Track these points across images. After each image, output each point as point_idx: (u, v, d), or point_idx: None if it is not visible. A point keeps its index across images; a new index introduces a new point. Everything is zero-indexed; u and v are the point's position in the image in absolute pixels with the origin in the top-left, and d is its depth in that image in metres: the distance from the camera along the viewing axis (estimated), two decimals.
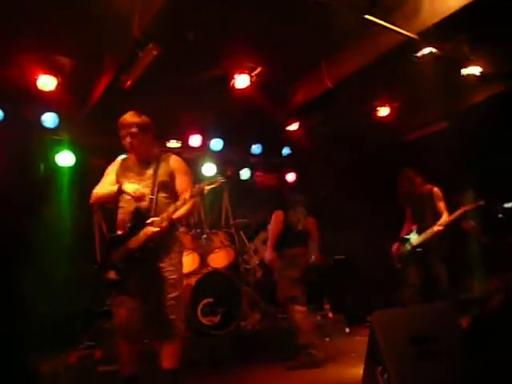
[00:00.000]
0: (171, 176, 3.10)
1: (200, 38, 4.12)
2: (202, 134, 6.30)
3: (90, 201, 3.18)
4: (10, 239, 5.03)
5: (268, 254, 4.48)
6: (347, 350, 4.72)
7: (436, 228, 4.72)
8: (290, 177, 7.51)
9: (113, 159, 3.33)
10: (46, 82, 4.59)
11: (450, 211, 4.84)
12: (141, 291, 2.94)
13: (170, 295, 2.91)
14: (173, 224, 2.97)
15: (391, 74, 4.98)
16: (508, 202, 6.49)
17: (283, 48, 4.58)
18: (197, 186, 2.94)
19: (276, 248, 4.50)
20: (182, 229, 5.74)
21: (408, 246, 4.91)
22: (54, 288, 4.97)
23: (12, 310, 4.79)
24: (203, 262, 5.55)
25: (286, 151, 7.19)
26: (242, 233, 6.31)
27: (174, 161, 3.19)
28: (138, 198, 2.95)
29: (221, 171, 6.75)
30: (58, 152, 5.37)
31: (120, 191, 3.01)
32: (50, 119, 5.18)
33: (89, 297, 4.97)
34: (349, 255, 6.86)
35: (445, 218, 4.75)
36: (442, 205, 4.87)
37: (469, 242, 6.45)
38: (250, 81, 5.00)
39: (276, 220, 4.45)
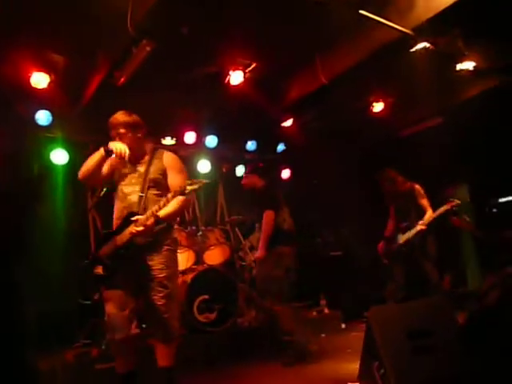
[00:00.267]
0: (164, 173, 3.07)
1: (194, 34, 4.09)
2: (196, 131, 6.28)
3: (79, 177, 3.09)
4: (5, 238, 5.01)
5: (259, 252, 4.48)
6: (343, 345, 4.73)
7: (419, 227, 4.81)
8: (285, 173, 7.52)
9: None
10: (39, 80, 4.55)
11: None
12: (130, 288, 2.92)
13: (160, 294, 2.88)
14: (159, 222, 2.90)
15: (385, 70, 4.98)
16: (502, 196, 6.52)
17: (278, 44, 4.56)
18: (180, 186, 2.90)
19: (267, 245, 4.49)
20: (176, 226, 5.75)
21: (394, 244, 5.01)
22: (49, 286, 4.94)
23: (10, 309, 4.79)
24: (199, 259, 5.55)
25: (280, 147, 7.19)
26: (237, 230, 6.30)
27: (167, 158, 3.15)
28: (119, 155, 2.90)
29: (216, 168, 6.76)
30: (51, 150, 5.34)
31: (106, 151, 2.91)
32: (43, 117, 5.14)
33: (84, 294, 4.96)
34: (345, 251, 6.88)
35: (428, 216, 4.84)
36: (424, 202, 4.97)
37: (462, 237, 6.49)
38: (245, 77, 4.98)
39: (268, 220, 4.46)
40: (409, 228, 4.94)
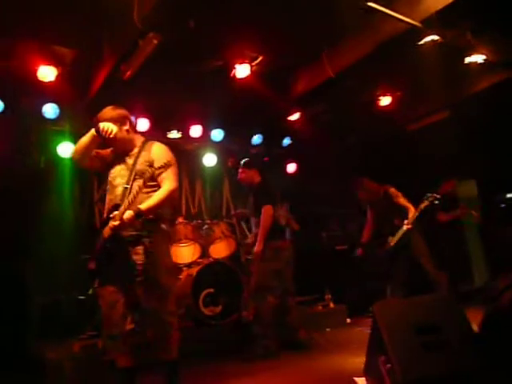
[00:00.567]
0: (151, 165, 3.00)
1: (201, 26, 4.07)
2: (202, 125, 6.27)
3: (72, 156, 3.10)
4: (12, 231, 5.04)
5: (257, 246, 4.48)
6: (348, 340, 4.74)
7: (405, 227, 4.91)
8: (291, 167, 7.51)
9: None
10: (47, 73, 4.55)
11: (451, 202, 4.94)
12: (119, 283, 2.89)
13: (148, 288, 2.85)
14: (140, 215, 2.84)
15: (393, 63, 4.94)
16: (510, 192, 6.47)
17: (285, 37, 4.54)
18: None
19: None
20: (180, 219, 5.76)
21: (387, 246, 5.09)
22: (56, 278, 4.98)
23: (18, 301, 4.83)
24: (204, 252, 5.57)
25: (286, 141, 7.17)
26: (242, 223, 6.30)
27: (155, 149, 3.10)
28: (105, 132, 2.89)
29: (221, 162, 6.75)
30: (58, 143, 5.34)
31: (97, 130, 2.91)
32: (50, 110, 5.15)
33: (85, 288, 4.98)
34: (351, 245, 6.85)
35: (411, 214, 4.92)
36: (402, 201, 5.07)
37: (468, 233, 6.46)
38: (251, 70, 4.96)
39: (267, 214, 4.46)
40: (394, 229, 5.04)
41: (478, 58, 4.85)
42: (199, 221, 6.00)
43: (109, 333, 2.89)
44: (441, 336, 2.34)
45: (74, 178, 5.38)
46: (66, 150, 5.35)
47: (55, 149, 5.35)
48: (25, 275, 4.95)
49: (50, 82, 4.61)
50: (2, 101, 4.92)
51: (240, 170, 4.90)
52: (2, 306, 4.72)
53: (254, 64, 4.95)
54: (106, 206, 3.03)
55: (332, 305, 5.94)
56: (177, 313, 3.01)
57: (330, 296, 5.98)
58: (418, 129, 6.49)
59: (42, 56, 4.46)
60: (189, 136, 6.27)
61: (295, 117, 6.27)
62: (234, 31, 4.34)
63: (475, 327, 2.48)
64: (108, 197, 3.06)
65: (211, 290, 4.95)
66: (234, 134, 6.66)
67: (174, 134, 6.18)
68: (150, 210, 2.89)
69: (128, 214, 2.81)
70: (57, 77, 4.59)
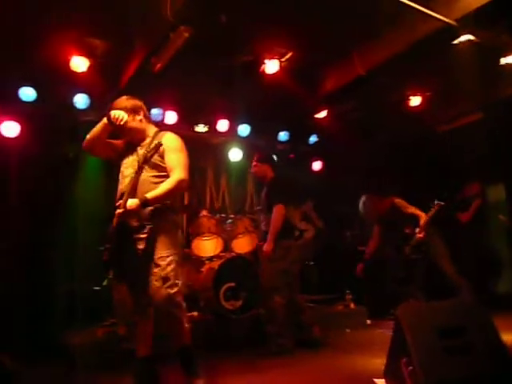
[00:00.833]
0: (161, 155, 2.96)
1: (231, 21, 4.08)
2: (229, 119, 6.29)
3: (83, 144, 3.09)
4: (40, 220, 5.17)
5: (267, 246, 4.44)
6: (368, 342, 4.68)
7: (418, 236, 4.98)
8: (316, 165, 7.47)
9: None
10: (79, 64, 4.64)
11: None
12: (130, 273, 2.88)
13: (153, 278, 2.80)
14: (146, 205, 2.80)
15: (426, 62, 4.85)
16: None
17: (315, 33, 4.50)
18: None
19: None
20: (204, 212, 5.79)
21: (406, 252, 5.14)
22: (80, 267, 5.08)
23: (43, 288, 4.96)
24: (227, 246, 5.59)
25: (313, 139, 7.13)
26: None
27: (166, 138, 3.04)
28: (115, 119, 2.88)
29: (247, 157, 6.76)
30: (87, 133, 5.42)
31: (109, 117, 2.90)
32: (81, 100, 5.25)
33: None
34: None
35: (422, 222, 4.99)
36: (411, 210, 5.13)
37: (496, 237, 6.31)
38: (280, 66, 4.94)
39: (278, 213, 4.39)
40: (408, 239, 5.11)
41: None
42: (223, 215, 6.02)
43: (125, 321, 2.91)
44: (465, 340, 2.30)
45: (101, 168, 5.46)
46: None
47: (84, 139, 5.43)
48: (51, 264, 5.07)
49: (82, 72, 4.69)
50: (35, 90, 5.04)
51: (253, 164, 4.87)
52: (28, 293, 4.86)
53: (283, 60, 4.94)
54: (117, 196, 3.01)
55: (352, 305, 5.89)
56: (183, 305, 2.92)
57: (350, 296, 5.93)
58: (448, 130, 6.36)
59: (75, 47, 4.54)
60: (215, 130, 6.31)
61: (323, 114, 6.23)
62: (265, 26, 4.33)
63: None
64: (119, 186, 3.05)
65: (232, 284, 4.96)
66: (261, 129, 6.66)
67: (201, 128, 6.22)
68: (157, 199, 2.84)
69: (132, 202, 2.78)
70: (88, 68, 4.67)
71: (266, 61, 4.91)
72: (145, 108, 3.17)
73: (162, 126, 3.30)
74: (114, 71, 4.92)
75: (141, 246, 2.84)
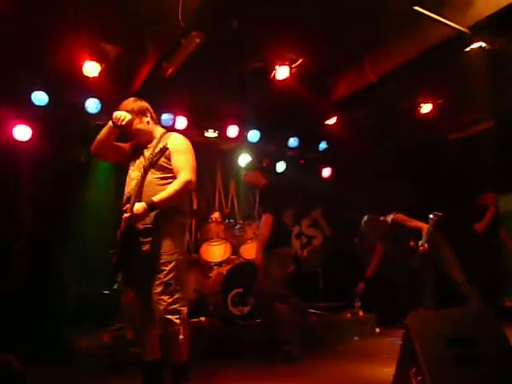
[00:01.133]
0: (167, 156, 2.90)
1: (242, 27, 4.10)
2: (239, 125, 6.31)
3: (91, 148, 3.06)
4: (51, 223, 5.21)
5: (256, 256, 4.41)
6: (377, 350, 4.63)
7: (421, 249, 5.00)
8: (326, 172, 7.45)
9: None
10: (91, 69, 4.67)
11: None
12: (137, 277, 2.83)
13: (157, 283, 2.76)
14: (153, 208, 2.75)
15: (438, 69, 4.82)
16: None
17: (326, 40, 4.50)
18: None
19: (267, 247, 4.42)
20: (216, 214, 5.79)
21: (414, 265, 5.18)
22: (90, 270, 5.09)
23: (53, 290, 4.99)
24: (235, 252, 5.59)
25: (322, 145, 7.12)
26: None
27: (173, 140, 2.99)
28: (117, 120, 2.85)
29: (256, 163, 6.76)
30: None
31: (112, 121, 2.87)
32: (92, 105, 5.29)
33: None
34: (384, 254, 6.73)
35: (424, 235, 5.02)
36: (413, 223, 5.19)
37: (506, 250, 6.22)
38: (291, 72, 4.95)
39: (266, 223, 4.34)
40: (413, 251, 5.15)
41: None
42: (231, 220, 6.02)
43: (132, 326, 2.89)
44: (476, 350, 2.26)
45: (111, 172, 5.49)
46: None
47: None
48: (60, 267, 5.10)
49: (94, 77, 4.73)
50: (47, 94, 5.09)
51: (243, 173, 4.85)
52: (37, 294, 4.89)
53: (293, 66, 4.94)
54: (124, 199, 2.97)
55: (361, 313, 5.84)
56: (186, 312, 2.86)
57: (359, 304, 5.88)
58: (460, 138, 6.31)
59: (87, 52, 4.58)
60: (225, 136, 6.32)
61: (333, 121, 6.22)
62: (276, 33, 4.34)
63: None
64: (125, 189, 3.01)
65: (240, 290, 4.95)
66: (271, 135, 6.66)
67: (211, 133, 6.23)
68: (163, 202, 2.77)
69: (139, 205, 2.73)
70: (100, 72, 4.71)
71: (276, 67, 4.92)
72: (151, 109, 3.13)
73: (172, 131, 3.27)
74: (125, 76, 4.95)
75: (147, 250, 2.81)
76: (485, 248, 5.63)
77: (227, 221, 5.93)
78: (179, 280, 2.83)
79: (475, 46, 4.19)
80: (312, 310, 5.73)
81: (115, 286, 2.96)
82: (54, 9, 3.90)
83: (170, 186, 2.84)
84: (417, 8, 3.72)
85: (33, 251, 5.11)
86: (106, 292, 4.77)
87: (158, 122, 3.21)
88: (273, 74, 4.97)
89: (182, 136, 3.07)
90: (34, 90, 5.05)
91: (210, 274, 5.28)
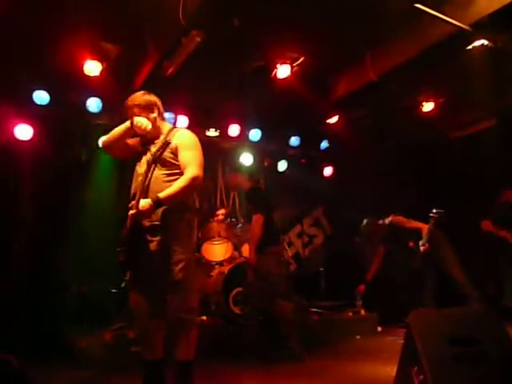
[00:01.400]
0: (174, 152, 2.87)
1: (243, 26, 4.09)
2: (240, 124, 6.30)
3: (102, 144, 3.04)
4: (51, 222, 5.21)
5: (250, 256, 4.43)
6: (378, 349, 4.63)
7: (422, 249, 5.06)
8: (327, 171, 7.44)
9: None
10: (92, 68, 4.67)
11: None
12: (145, 275, 2.79)
13: (168, 282, 2.73)
14: (159, 204, 2.70)
15: (439, 67, 4.80)
16: None
17: (327, 38, 4.48)
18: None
19: (261, 247, 4.43)
20: (222, 210, 5.79)
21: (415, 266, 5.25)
22: (92, 269, 5.09)
23: (53, 289, 4.99)
24: (237, 251, 5.58)
25: (324, 144, 7.11)
26: None
27: (179, 135, 2.95)
28: (138, 128, 2.82)
29: (258, 162, 6.76)
30: (100, 136, 5.47)
31: (132, 123, 2.85)
32: (93, 104, 5.29)
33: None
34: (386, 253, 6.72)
35: (424, 235, 5.07)
36: (412, 224, 5.26)
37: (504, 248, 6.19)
38: (292, 71, 4.94)
39: (257, 223, 4.36)
40: (413, 252, 5.22)
41: None
42: (233, 219, 6.02)
43: (137, 326, 2.86)
44: (477, 349, 2.25)
45: (113, 170, 5.50)
46: None
47: (96, 142, 5.49)
48: (61, 266, 5.10)
49: (95, 76, 4.73)
50: (48, 94, 5.09)
51: (225, 177, 4.86)
52: (39, 293, 4.89)
53: (295, 65, 4.92)
54: (130, 195, 2.93)
55: (363, 312, 5.83)
56: (197, 311, 2.88)
57: (361, 302, 5.88)
58: (461, 136, 6.29)
59: (88, 51, 4.58)
60: (227, 135, 6.31)
61: (334, 120, 6.21)
62: (277, 31, 4.33)
63: None
64: (133, 185, 2.97)
65: (242, 290, 4.94)
66: (272, 134, 6.66)
67: (212, 133, 6.23)
68: (170, 198, 2.72)
69: (145, 202, 2.69)
70: (101, 72, 4.70)
71: (277, 66, 4.91)
72: (160, 105, 3.08)
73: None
74: (126, 75, 4.95)
75: (156, 248, 2.77)
76: (487, 246, 5.61)
77: (229, 220, 5.93)
78: (189, 278, 2.81)
79: (477, 43, 4.17)
80: (313, 309, 5.73)
81: (123, 285, 2.94)
82: (54, 8, 3.89)
83: (176, 181, 2.78)
84: (418, 5, 3.70)
85: (33, 250, 5.12)
86: (114, 291, 4.76)
87: (163, 117, 3.16)
88: (274, 72, 4.96)
89: (190, 131, 3.05)
90: (35, 90, 5.05)
91: (212, 273, 5.28)
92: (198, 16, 3.77)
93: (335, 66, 5.30)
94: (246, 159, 6.60)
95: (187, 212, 2.89)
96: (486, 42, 4.14)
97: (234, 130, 6.29)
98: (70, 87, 5.10)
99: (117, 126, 2.96)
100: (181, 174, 2.85)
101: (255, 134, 6.45)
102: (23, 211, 5.20)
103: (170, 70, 4.58)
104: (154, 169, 2.84)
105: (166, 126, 3.08)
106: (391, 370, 2.79)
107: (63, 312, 4.88)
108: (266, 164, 6.96)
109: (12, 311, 4.57)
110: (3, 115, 5.00)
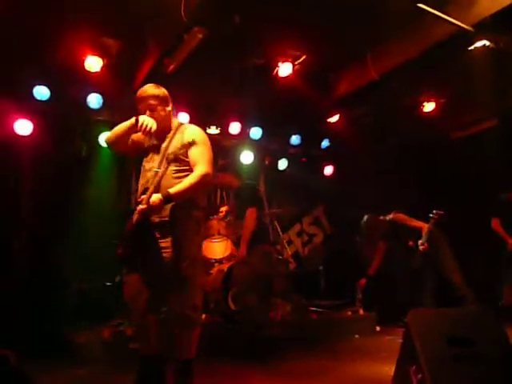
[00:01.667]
0: (185, 148, 2.83)
1: (245, 23, 4.08)
2: (241, 122, 6.29)
3: (107, 139, 3.01)
4: (51, 218, 5.20)
5: (242, 251, 4.42)
6: (377, 348, 4.62)
7: (421, 248, 5.11)
8: (328, 170, 7.44)
9: None
10: (93, 63, 4.66)
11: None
12: (146, 270, 2.76)
13: (174, 278, 2.71)
14: (169, 200, 2.68)
15: (441, 67, 4.79)
16: None
17: (329, 36, 4.48)
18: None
19: (250, 243, 4.42)
20: (225, 208, 5.77)
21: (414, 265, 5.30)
22: (91, 265, 5.09)
23: (53, 285, 4.99)
24: (237, 249, 5.57)
25: (325, 143, 7.10)
26: (276, 223, 6.27)
27: (190, 131, 2.93)
28: (143, 129, 2.76)
29: (258, 160, 6.75)
30: (100, 132, 5.47)
31: (137, 120, 2.80)
32: (94, 100, 5.28)
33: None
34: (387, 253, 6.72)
35: (424, 235, 5.11)
36: (413, 222, 5.29)
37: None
38: (293, 69, 4.93)
39: (251, 217, 4.37)
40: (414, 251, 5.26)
41: None
42: (232, 217, 6.01)
43: (133, 321, 2.84)
44: (476, 349, 2.25)
45: (113, 167, 5.49)
46: None
47: (97, 138, 5.48)
48: (61, 262, 5.10)
49: (96, 72, 4.72)
50: (49, 89, 5.08)
51: (216, 177, 4.87)
52: (39, 291, 4.89)
53: (296, 63, 4.92)
54: (139, 191, 2.90)
55: (362, 311, 5.83)
56: (200, 308, 2.86)
57: (361, 296, 5.89)
58: (463, 137, 6.28)
59: (89, 47, 4.57)
60: (227, 132, 6.30)
61: (335, 118, 6.20)
62: (278, 29, 4.32)
63: None
64: (141, 181, 2.94)
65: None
66: (273, 133, 6.65)
67: (213, 130, 6.21)
68: (180, 194, 2.71)
69: (155, 197, 2.66)
70: (102, 67, 4.70)
71: (279, 64, 4.90)
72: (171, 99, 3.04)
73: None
74: (127, 71, 4.94)
75: (163, 244, 2.75)
76: (489, 246, 5.60)
77: (229, 218, 5.92)
78: (196, 275, 2.81)
79: (479, 44, 4.16)
80: (313, 308, 5.72)
81: (117, 279, 2.91)
82: (55, 4, 3.89)
83: (186, 178, 2.76)
84: (421, 5, 3.69)
85: (33, 247, 5.11)
86: (109, 284, 4.75)
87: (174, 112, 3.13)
88: (275, 70, 4.95)
89: (199, 128, 3.03)
90: (35, 85, 5.04)
91: (211, 271, 5.26)
92: (199, 12, 3.77)
93: (337, 65, 5.30)
94: (247, 157, 6.59)
95: (195, 209, 2.88)
96: (487, 43, 4.13)
97: (234, 127, 6.28)
98: (71, 83, 5.08)
99: (117, 122, 2.95)
100: (190, 170, 2.84)
101: (256, 132, 6.44)
102: (23, 208, 5.19)
103: (171, 67, 4.57)
104: (164, 165, 2.80)
105: (174, 121, 3.05)
106: (390, 370, 2.79)
107: (63, 309, 4.88)
108: (266, 162, 6.95)
109: (11, 308, 4.57)
110: (3, 110, 4.99)
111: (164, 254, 2.75)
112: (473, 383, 2.14)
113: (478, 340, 2.26)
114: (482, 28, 3.97)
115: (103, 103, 5.30)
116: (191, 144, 2.83)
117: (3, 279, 4.74)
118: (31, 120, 5.15)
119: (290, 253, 6.67)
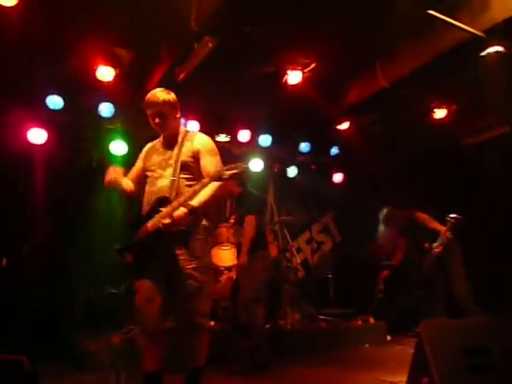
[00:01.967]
0: (195, 156, 2.85)
1: (255, 32, 4.10)
2: (251, 130, 6.30)
3: (122, 196, 3.05)
4: (62, 226, 5.24)
5: (241, 257, 4.40)
6: (387, 358, 4.57)
7: (436, 250, 5.03)
8: (337, 177, 7.41)
9: None
10: (105, 73, 4.72)
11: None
12: (159, 279, 2.74)
13: (188, 287, 2.71)
14: (193, 213, 2.67)
15: (452, 74, 4.77)
16: None
17: (339, 44, 4.48)
18: (216, 169, 2.69)
19: (250, 250, 4.40)
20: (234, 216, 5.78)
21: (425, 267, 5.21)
22: (101, 273, 5.11)
23: (63, 292, 5.02)
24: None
25: (334, 151, 7.09)
26: (285, 230, 6.25)
27: (200, 139, 2.93)
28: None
29: (267, 167, 6.74)
30: (111, 141, 5.52)
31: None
32: (106, 109, 5.33)
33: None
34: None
35: (440, 238, 5.02)
36: (433, 224, 5.17)
37: None
38: (303, 77, 4.93)
39: (250, 224, 4.36)
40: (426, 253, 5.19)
41: None
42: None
43: (143, 330, 2.79)
44: (490, 360, 2.21)
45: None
46: (118, 147, 5.52)
47: (108, 146, 5.53)
48: (71, 269, 5.13)
49: (108, 82, 4.77)
50: (62, 98, 5.14)
51: None
52: (49, 297, 4.92)
53: (306, 71, 4.92)
54: (148, 199, 2.87)
55: (372, 320, 5.78)
56: (209, 315, 2.88)
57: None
58: (474, 143, 6.23)
59: (101, 57, 4.63)
60: (237, 140, 6.31)
61: (345, 126, 6.19)
62: (289, 37, 4.33)
63: None
64: (149, 188, 2.90)
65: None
66: (282, 140, 6.65)
67: (222, 138, 6.23)
68: (203, 206, 2.72)
69: (181, 211, 2.63)
70: (114, 77, 4.75)
71: (288, 71, 4.91)
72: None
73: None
74: (138, 81, 4.97)
75: (175, 252, 2.74)
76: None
77: (237, 225, 5.91)
78: (208, 284, 2.84)
79: (491, 50, 4.13)
80: (322, 317, 5.68)
81: (123, 287, 2.91)
82: (68, 15, 3.94)
83: (205, 189, 2.71)
84: (431, 12, 3.68)
85: (43, 254, 5.15)
86: (115, 291, 4.76)
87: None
88: (285, 78, 4.96)
89: (207, 136, 3.03)
90: (49, 94, 5.10)
91: (220, 279, 5.26)
92: (210, 22, 3.80)
93: (347, 72, 5.28)
94: (256, 165, 6.60)
95: (207, 219, 2.89)
96: (500, 49, 4.09)
97: (244, 135, 6.29)
98: (84, 92, 5.14)
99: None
100: (196, 178, 2.83)
101: (265, 140, 6.45)
102: (34, 214, 5.24)
103: (182, 76, 4.61)
104: (178, 173, 2.81)
105: (181, 129, 3.05)
106: (401, 381, 2.77)
107: (72, 315, 4.90)
108: (275, 170, 6.95)
109: (22, 314, 4.60)
110: (17, 119, 5.05)
111: (178, 263, 2.74)
112: None
113: (492, 350, 2.22)
114: (494, 34, 3.94)
115: (115, 112, 5.34)
116: (202, 152, 2.85)
117: (13, 284, 4.78)
118: (45, 129, 5.20)
119: (299, 261, 6.66)
